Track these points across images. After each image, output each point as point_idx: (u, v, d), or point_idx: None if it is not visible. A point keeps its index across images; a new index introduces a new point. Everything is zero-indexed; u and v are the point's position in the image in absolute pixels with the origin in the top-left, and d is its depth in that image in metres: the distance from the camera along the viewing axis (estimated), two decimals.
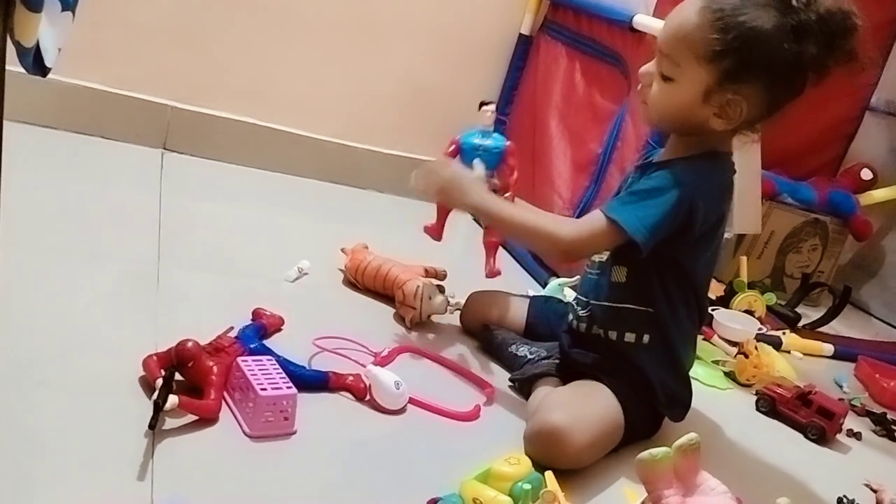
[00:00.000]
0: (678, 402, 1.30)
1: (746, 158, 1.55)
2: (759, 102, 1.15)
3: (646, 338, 1.24)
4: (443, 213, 1.41)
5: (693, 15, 1.13)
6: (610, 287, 1.26)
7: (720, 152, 1.23)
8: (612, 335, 1.26)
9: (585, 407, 1.16)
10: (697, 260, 1.24)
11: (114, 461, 0.89)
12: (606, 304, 1.27)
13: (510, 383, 1.34)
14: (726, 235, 1.64)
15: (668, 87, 1.17)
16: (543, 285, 1.74)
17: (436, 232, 1.42)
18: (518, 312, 1.47)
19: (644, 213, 1.15)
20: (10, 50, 0.56)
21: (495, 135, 1.38)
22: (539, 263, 1.84)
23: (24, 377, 0.98)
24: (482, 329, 1.46)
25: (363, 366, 1.21)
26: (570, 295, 1.60)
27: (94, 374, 1.04)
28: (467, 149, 1.36)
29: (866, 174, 2.31)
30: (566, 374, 1.28)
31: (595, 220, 1.19)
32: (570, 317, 1.34)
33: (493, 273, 1.41)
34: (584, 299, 1.31)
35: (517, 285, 1.71)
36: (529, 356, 1.35)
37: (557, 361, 1.31)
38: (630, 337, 1.25)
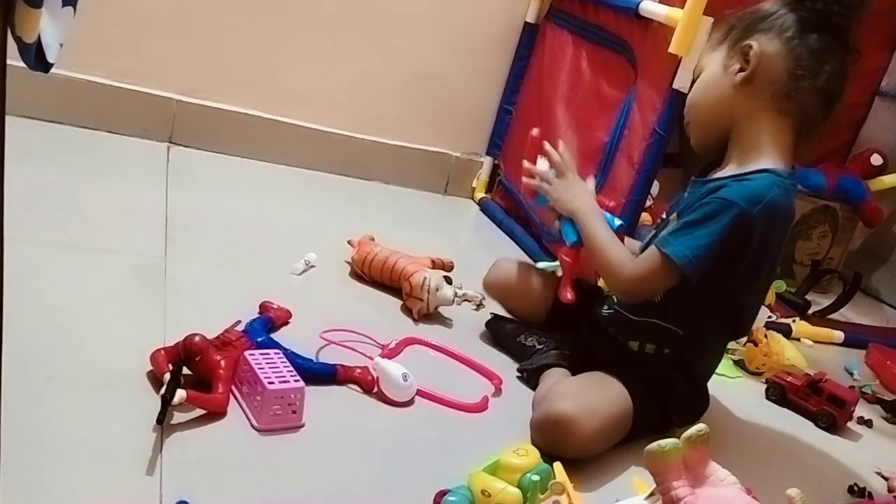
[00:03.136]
0: (690, 412, 1.26)
1: None
2: (776, 52, 1.17)
3: (666, 351, 1.24)
4: (568, 272, 1.33)
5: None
6: (641, 302, 1.24)
7: (776, 170, 1.16)
8: (633, 345, 1.26)
9: (594, 396, 1.16)
10: (748, 290, 1.22)
11: (122, 456, 0.90)
12: (632, 316, 1.26)
13: (518, 374, 1.34)
14: None
15: (696, 83, 1.27)
16: None
17: (564, 293, 1.32)
18: (544, 287, 1.42)
19: (694, 244, 1.13)
20: (11, 45, 0.56)
21: None
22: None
23: (31, 372, 0.98)
24: (491, 319, 1.45)
25: (371, 358, 1.21)
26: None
27: (101, 368, 1.04)
28: None
29: (876, 160, 2.29)
30: (577, 361, 1.28)
31: (651, 257, 1.18)
32: (599, 305, 1.34)
33: (566, 298, 1.31)
34: (613, 298, 1.31)
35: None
36: (538, 346, 1.35)
37: (567, 352, 1.31)
38: (650, 348, 1.25)
